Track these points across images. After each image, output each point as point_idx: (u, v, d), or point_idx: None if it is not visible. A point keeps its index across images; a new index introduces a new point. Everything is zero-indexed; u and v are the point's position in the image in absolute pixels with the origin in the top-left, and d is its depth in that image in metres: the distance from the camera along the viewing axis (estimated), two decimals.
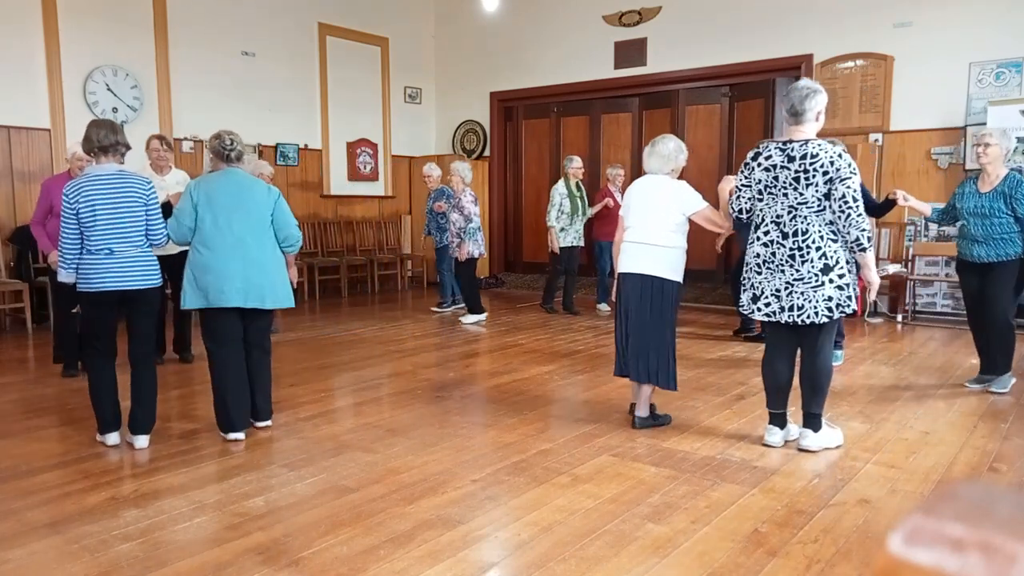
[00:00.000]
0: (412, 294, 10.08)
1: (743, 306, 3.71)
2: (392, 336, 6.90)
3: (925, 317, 7.65)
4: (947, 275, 7.42)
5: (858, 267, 3.59)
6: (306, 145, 9.72)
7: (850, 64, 8.03)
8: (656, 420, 4.08)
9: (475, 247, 7.51)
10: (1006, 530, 0.42)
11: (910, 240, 7.72)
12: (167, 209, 4.25)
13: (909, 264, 7.60)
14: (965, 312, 5.03)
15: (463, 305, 8.22)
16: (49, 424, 4.21)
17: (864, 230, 3.37)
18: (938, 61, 7.51)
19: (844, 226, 3.39)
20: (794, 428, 3.80)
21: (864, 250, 3.42)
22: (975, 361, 5.57)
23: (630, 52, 9.52)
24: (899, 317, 7.60)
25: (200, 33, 8.53)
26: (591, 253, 8.73)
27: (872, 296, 3.69)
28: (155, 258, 3.86)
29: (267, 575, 2.46)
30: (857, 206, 3.36)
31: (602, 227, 7.96)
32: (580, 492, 3.15)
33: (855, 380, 5.09)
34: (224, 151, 3.98)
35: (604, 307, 8.32)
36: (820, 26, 8.14)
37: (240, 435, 3.88)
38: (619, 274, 4.08)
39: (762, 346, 6.21)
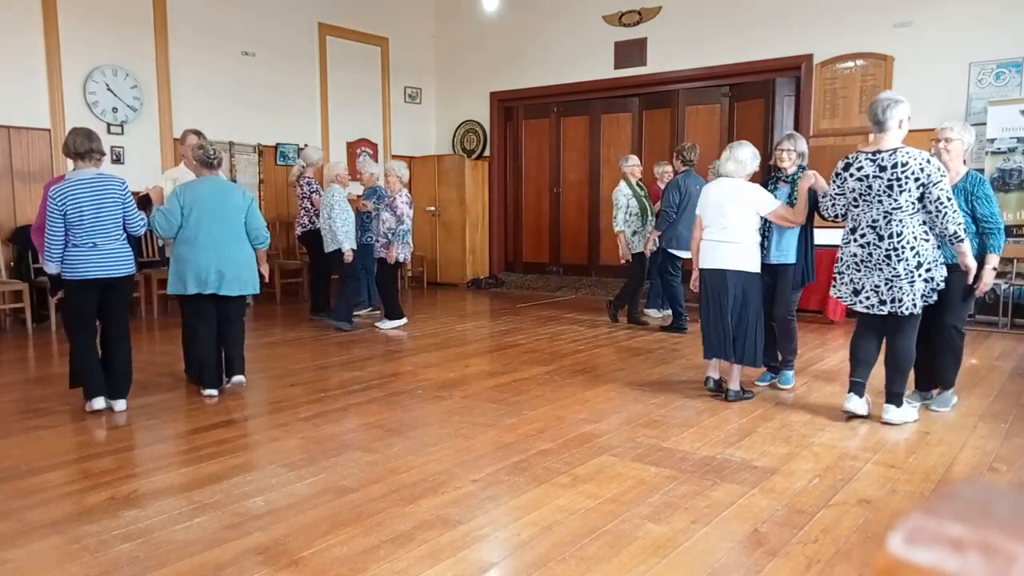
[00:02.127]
0: (412, 294, 10.08)
1: (842, 297, 4.05)
2: (392, 336, 6.89)
3: None
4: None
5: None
6: (306, 145, 9.70)
7: (850, 64, 8.04)
8: (744, 394, 4.57)
9: (404, 250, 7.04)
10: (1006, 530, 0.42)
11: None
12: (146, 201, 4.89)
13: None
14: None
15: (379, 309, 7.74)
16: (49, 424, 4.21)
17: (960, 224, 3.73)
18: (938, 61, 7.51)
19: (942, 224, 3.73)
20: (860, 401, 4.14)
21: (961, 241, 3.78)
22: (974, 361, 5.58)
23: (630, 52, 9.52)
24: None
25: (200, 33, 8.53)
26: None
27: (970, 280, 4.00)
28: (131, 250, 4.40)
29: (267, 575, 2.46)
30: (952, 204, 3.71)
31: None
32: (580, 492, 3.15)
33: None
34: (209, 160, 4.70)
35: (654, 312, 7.88)
36: (820, 26, 8.14)
37: (214, 392, 4.65)
38: (702, 269, 4.57)
39: None
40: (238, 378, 4.79)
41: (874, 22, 7.84)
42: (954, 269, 4.26)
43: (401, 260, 7.07)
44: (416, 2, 11.00)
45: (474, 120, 11.08)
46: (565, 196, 10.62)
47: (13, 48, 7.22)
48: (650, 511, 2.95)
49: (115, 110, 7.86)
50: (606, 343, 6.52)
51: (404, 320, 7.29)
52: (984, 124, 6.94)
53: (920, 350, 4.18)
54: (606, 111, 10.19)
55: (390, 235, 6.97)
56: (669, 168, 7.89)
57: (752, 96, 8.85)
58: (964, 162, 4.31)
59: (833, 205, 4.07)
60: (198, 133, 5.54)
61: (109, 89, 7.84)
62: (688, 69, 9.13)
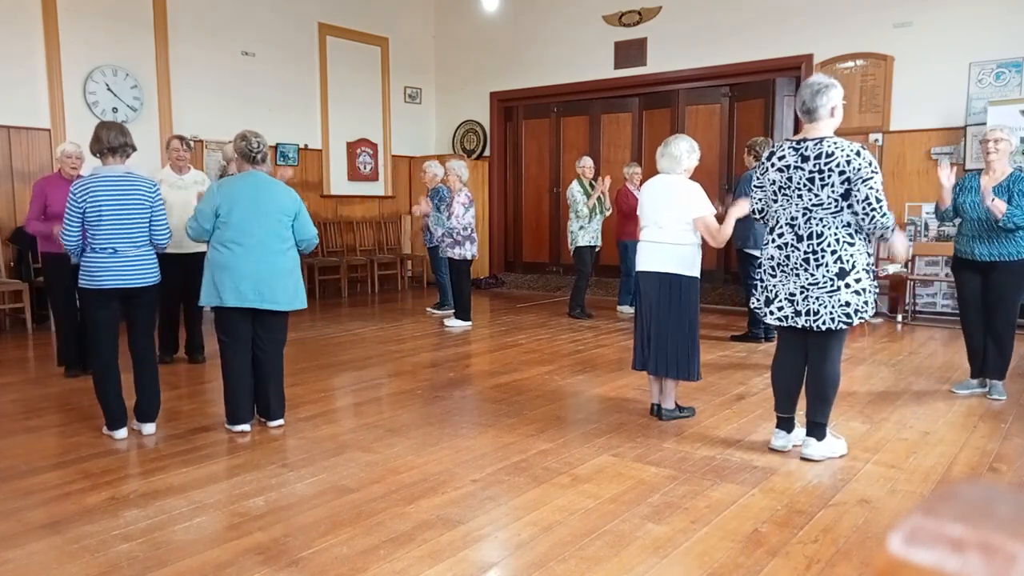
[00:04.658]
0: (412, 294, 10.08)
1: (757, 308, 3.64)
2: (392, 336, 6.89)
3: (925, 317, 7.65)
4: (947, 275, 7.41)
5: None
6: (306, 145, 9.72)
7: (850, 64, 8.03)
8: (681, 412, 4.23)
9: (464, 249, 7.24)
10: (1006, 530, 0.41)
11: (910, 240, 7.72)
12: None
13: (909, 264, 7.60)
14: (959, 312, 4.86)
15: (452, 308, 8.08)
16: (49, 424, 4.21)
17: (888, 227, 3.27)
18: (938, 61, 7.51)
19: (869, 228, 3.28)
20: (801, 432, 3.70)
21: (888, 238, 3.37)
22: None
23: (630, 52, 9.51)
24: (899, 317, 7.60)
25: (200, 33, 8.53)
26: (613, 253, 8.66)
27: (899, 262, 3.75)
28: (155, 257, 3.99)
29: (267, 575, 2.46)
30: (881, 207, 3.23)
31: (625, 227, 7.78)
32: (580, 492, 3.15)
33: (855, 380, 5.09)
34: (252, 153, 4.04)
35: (627, 309, 8.08)
36: (820, 26, 8.14)
37: (246, 427, 4.00)
38: (637, 272, 4.19)
39: (760, 346, 6.24)
40: (277, 422, 4.08)
41: (874, 22, 7.84)
42: (998, 267, 4.43)
43: (469, 258, 7.33)
44: (416, 2, 10.99)
45: (474, 120, 11.08)
46: (565, 196, 10.60)
47: (13, 48, 7.21)
48: (650, 511, 2.95)
49: (115, 110, 7.86)
50: (606, 343, 6.52)
51: (469, 323, 7.41)
52: (984, 124, 6.94)
53: (980, 340, 4.63)
54: (606, 111, 10.19)
55: (453, 234, 7.24)
56: (639, 169, 8.23)
57: (752, 96, 8.84)
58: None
59: (751, 200, 3.64)
60: (180, 138, 5.72)
61: (109, 89, 7.83)
62: (688, 69, 9.12)
